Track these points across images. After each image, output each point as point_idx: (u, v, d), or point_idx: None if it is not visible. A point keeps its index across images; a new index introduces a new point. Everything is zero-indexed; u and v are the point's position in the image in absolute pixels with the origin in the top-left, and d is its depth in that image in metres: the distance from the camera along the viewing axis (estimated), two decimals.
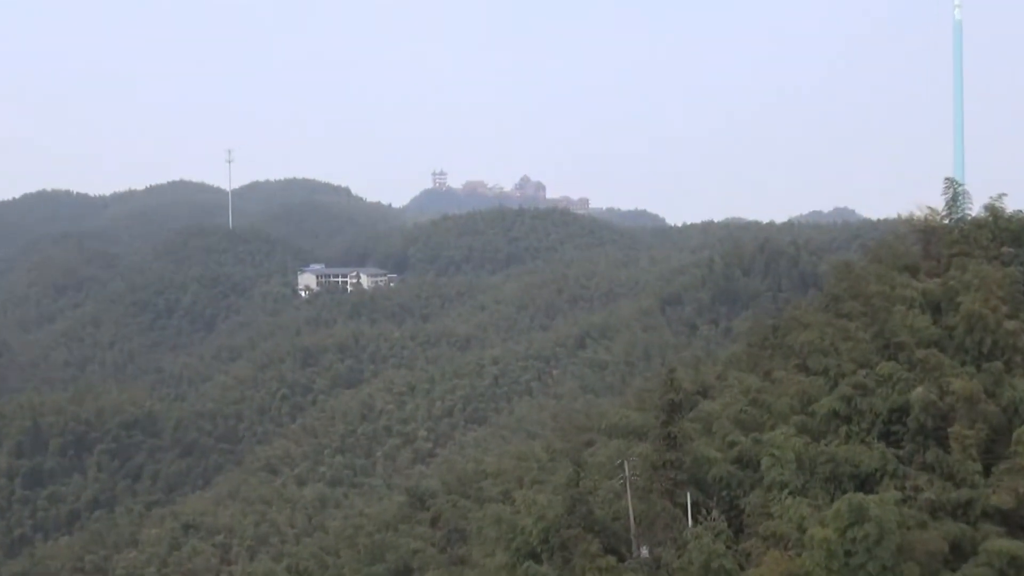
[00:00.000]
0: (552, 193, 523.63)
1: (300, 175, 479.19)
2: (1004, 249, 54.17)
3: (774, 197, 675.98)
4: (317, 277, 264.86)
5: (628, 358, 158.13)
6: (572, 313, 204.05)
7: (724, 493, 44.04)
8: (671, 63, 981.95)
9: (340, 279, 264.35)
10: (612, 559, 40.34)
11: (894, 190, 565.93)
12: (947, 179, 59.77)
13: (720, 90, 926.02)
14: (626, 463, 44.19)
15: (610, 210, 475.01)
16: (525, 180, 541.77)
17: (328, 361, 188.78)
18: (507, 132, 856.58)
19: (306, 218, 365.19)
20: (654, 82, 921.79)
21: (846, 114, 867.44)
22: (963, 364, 45.11)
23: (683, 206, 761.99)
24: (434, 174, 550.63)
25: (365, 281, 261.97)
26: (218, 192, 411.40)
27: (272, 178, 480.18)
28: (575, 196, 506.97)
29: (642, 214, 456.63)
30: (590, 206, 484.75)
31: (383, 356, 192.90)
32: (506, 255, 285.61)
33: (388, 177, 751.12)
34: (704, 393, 58.84)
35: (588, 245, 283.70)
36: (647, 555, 41.29)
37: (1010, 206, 56.96)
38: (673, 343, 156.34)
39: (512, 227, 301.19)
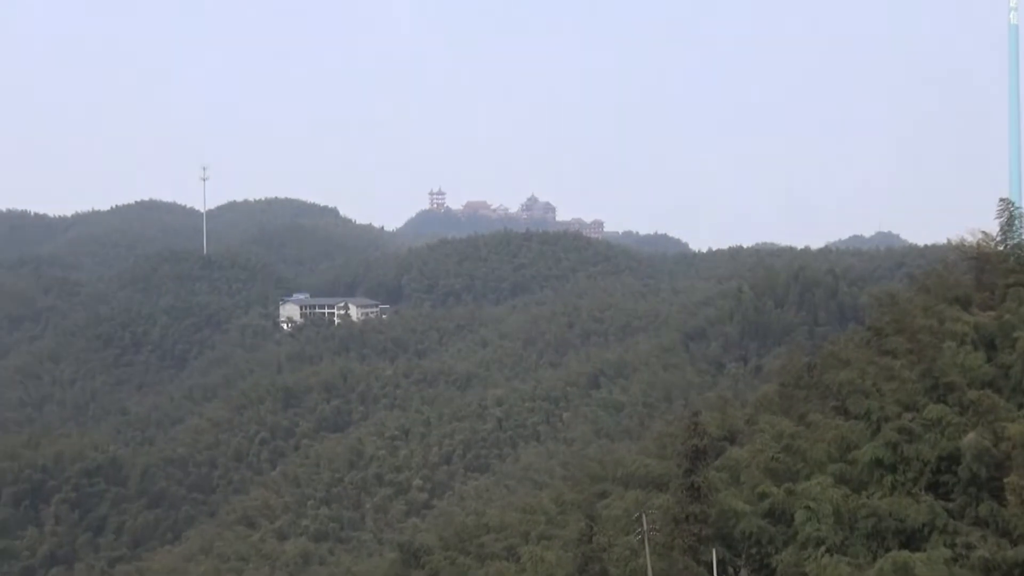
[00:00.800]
0: (563, 215, 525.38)
1: (282, 194, 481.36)
2: None
3: (810, 220, 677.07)
4: (301, 308, 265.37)
5: (647, 399, 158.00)
6: (585, 349, 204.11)
7: (753, 550, 43.94)
8: (695, 75, 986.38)
9: (326, 310, 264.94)
10: None
11: (943, 213, 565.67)
12: (1002, 200, 59.65)
13: (749, 104, 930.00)
14: (644, 516, 44.12)
15: (627, 234, 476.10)
16: (532, 201, 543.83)
17: (313, 402, 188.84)
18: (513, 148, 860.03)
19: (289, 242, 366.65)
20: (675, 97, 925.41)
21: (889, 128, 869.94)
22: (1020, 407, 45.08)
23: (708, 230, 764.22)
24: (431, 194, 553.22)
25: (354, 313, 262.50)
26: (191, 213, 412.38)
27: (251, 198, 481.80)
28: (588, 218, 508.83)
29: (662, 239, 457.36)
30: (605, 230, 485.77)
31: (374, 396, 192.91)
32: (511, 284, 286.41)
33: (380, 197, 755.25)
34: (732, 439, 58.79)
35: (603, 273, 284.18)
36: None
37: None
38: (697, 383, 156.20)
39: (518, 253, 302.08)
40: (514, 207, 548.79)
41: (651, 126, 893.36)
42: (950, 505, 41.46)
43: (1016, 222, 58.03)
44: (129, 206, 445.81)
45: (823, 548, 39.94)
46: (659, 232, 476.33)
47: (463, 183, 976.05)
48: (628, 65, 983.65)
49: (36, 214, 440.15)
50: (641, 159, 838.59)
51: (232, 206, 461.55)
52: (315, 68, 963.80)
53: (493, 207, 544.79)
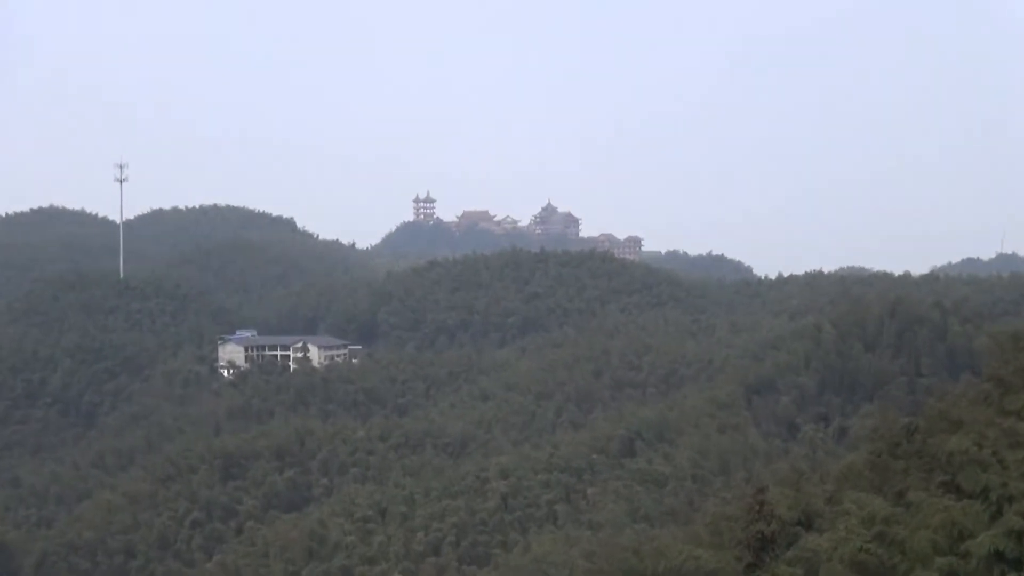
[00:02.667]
0: (588, 230, 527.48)
1: (223, 200, 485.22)
2: None
3: (910, 239, 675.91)
4: (246, 349, 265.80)
5: (697, 471, 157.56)
6: (616, 404, 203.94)
7: None
8: (760, 66, 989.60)
9: (279, 353, 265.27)
10: None
11: None
12: None
13: (827, 99, 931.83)
14: None
15: (672, 255, 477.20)
16: (549, 211, 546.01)
17: (260, 472, 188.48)
18: (523, 142, 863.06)
19: (231, 263, 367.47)
20: (734, 89, 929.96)
21: (1011, 127, 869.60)
22: None
23: (778, 250, 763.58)
24: (417, 201, 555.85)
25: (315, 356, 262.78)
26: (104, 224, 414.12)
27: (183, 204, 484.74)
28: (621, 234, 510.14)
29: (719, 261, 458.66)
30: (643, 249, 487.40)
31: (340, 465, 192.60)
32: (521, 319, 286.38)
33: (351, 205, 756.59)
34: (808, 523, 58.80)
35: (640, 305, 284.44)
36: None
37: None
38: (763, 449, 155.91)
39: (531, 278, 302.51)
40: (525, 218, 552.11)
41: (703, 121, 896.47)
42: None
43: None
44: (22, 215, 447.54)
45: None
46: (714, 252, 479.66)
47: (458, 188, 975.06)
48: (676, 49, 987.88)
49: None
50: (691, 160, 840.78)
51: (157, 216, 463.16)
52: (265, 39, 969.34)
53: (497, 218, 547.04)
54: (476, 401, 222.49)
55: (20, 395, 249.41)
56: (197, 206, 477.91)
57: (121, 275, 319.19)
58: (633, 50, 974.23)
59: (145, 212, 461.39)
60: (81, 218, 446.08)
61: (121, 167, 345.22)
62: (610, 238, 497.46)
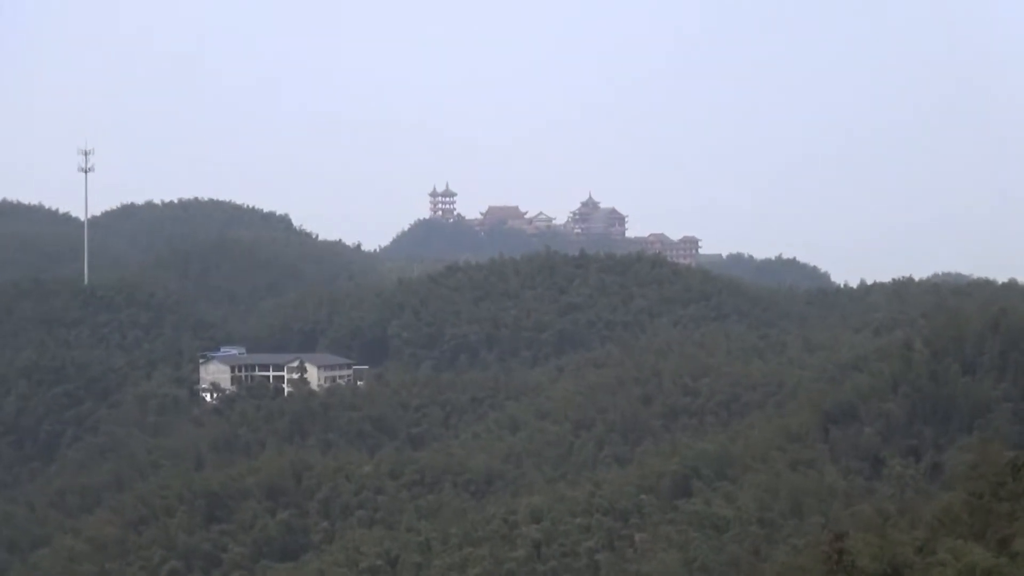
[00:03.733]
0: (637, 229, 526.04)
1: (206, 194, 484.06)
2: None
3: (1017, 239, 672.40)
4: (233, 369, 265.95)
5: (764, 514, 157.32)
6: (669, 436, 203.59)
7: None
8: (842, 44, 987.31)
9: (271, 373, 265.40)
10: None
11: None
12: None
13: (925, 64, 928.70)
14: None
15: (735, 258, 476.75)
16: (590, 206, 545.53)
17: (249, 514, 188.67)
18: (559, 126, 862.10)
19: (215, 267, 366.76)
20: (805, 56, 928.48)
21: None
22: None
23: (861, 253, 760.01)
24: (434, 195, 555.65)
25: (314, 377, 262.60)
26: (66, 222, 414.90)
27: (158, 199, 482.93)
28: (675, 234, 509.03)
29: (790, 265, 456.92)
30: (701, 251, 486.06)
31: (344, 506, 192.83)
32: (556, 334, 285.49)
33: (356, 200, 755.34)
34: (896, 574, 59.07)
35: (698, 318, 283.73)
36: None
37: None
38: (842, 489, 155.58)
39: (568, 286, 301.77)
40: (561, 215, 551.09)
41: (768, 105, 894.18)
42: None
43: None
44: None
45: None
46: (784, 256, 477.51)
47: (483, 180, 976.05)
48: (739, 22, 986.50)
49: None
50: (756, 149, 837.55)
51: (128, 212, 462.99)
52: (252, 4, 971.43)
53: (528, 215, 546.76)
54: (504, 431, 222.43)
55: None
56: (175, 200, 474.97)
57: (86, 281, 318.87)
58: (687, 24, 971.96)
59: (114, 207, 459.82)
60: (39, 214, 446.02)
61: (86, 154, 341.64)
62: (662, 239, 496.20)
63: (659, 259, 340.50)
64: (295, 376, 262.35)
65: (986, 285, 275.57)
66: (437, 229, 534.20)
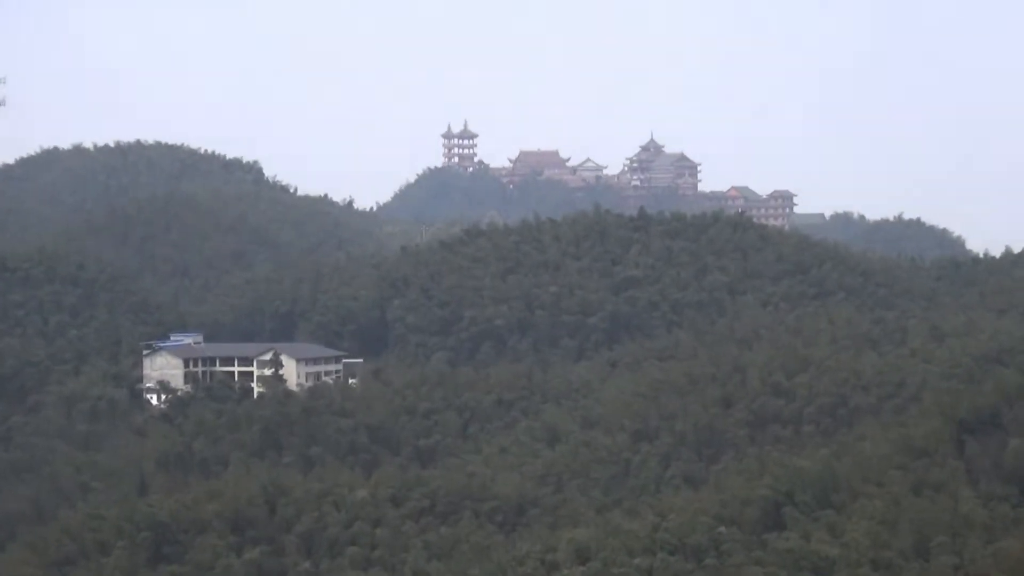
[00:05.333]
0: (713, 181, 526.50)
1: (151, 135, 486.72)
2: None
3: None
4: (187, 364, 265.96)
5: (880, 552, 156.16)
6: (755, 449, 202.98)
7: None
8: None
9: (237, 368, 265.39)
10: None
11: None
12: None
13: None
14: None
15: (842, 219, 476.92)
16: (652, 151, 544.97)
17: (209, 551, 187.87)
18: (611, 46, 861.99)
19: (163, 231, 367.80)
20: None
21: None
22: None
23: (1004, 214, 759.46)
24: (449, 137, 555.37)
25: (293, 373, 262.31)
26: None
27: (90, 142, 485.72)
28: (763, 187, 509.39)
29: (913, 229, 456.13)
30: (797, 211, 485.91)
31: (331, 542, 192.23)
32: (608, 317, 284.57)
33: (346, 144, 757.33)
34: None
35: (792, 297, 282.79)
36: None
37: None
38: (982, 519, 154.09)
39: (622, 255, 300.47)
40: (614, 163, 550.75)
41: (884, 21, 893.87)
42: None
43: None
44: None
45: None
46: (904, 216, 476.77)
47: (512, 117, 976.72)
48: None
49: None
50: (866, 80, 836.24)
51: (51, 158, 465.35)
52: None
53: (572, 162, 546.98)
54: (540, 444, 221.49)
55: None
56: (112, 143, 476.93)
57: None
58: None
59: (33, 153, 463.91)
60: None
61: None
62: (746, 193, 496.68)
63: (742, 220, 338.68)
64: (268, 372, 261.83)
65: None
66: (452, 181, 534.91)
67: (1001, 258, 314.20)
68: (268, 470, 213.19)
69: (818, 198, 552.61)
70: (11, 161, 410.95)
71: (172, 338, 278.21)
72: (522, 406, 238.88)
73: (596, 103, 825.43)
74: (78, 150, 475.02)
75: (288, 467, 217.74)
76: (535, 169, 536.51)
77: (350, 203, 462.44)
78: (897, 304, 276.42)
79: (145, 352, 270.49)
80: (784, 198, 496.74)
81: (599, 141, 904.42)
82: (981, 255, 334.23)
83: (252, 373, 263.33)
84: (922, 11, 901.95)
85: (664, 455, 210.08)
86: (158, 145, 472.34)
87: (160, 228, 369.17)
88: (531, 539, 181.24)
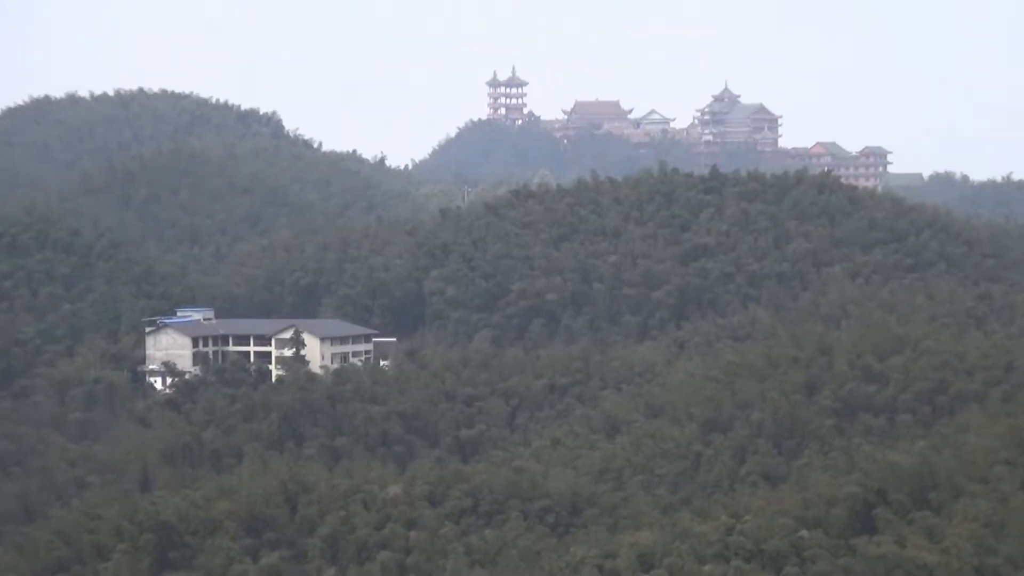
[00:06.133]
0: (796, 136, 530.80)
1: (155, 83, 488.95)
2: None
3: None
4: (195, 342, 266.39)
5: (986, 559, 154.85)
6: (843, 442, 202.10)
7: None
8: None
9: (252, 348, 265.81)
10: None
11: None
12: None
13: None
14: None
15: (943, 179, 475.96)
16: (727, 102, 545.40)
17: (221, 555, 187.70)
18: None
19: (170, 194, 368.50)
20: None
21: None
22: None
23: None
24: (494, 85, 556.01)
25: (316, 353, 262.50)
26: None
27: (85, 91, 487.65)
28: (852, 144, 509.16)
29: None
30: (892, 170, 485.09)
31: (359, 545, 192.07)
32: (676, 291, 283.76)
33: (377, 95, 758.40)
34: None
35: (886, 268, 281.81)
36: None
37: None
38: None
39: (694, 221, 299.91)
40: (683, 116, 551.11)
41: None
42: None
43: None
44: None
45: None
46: (1014, 176, 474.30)
47: (566, 64, 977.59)
48: None
49: None
50: (966, 23, 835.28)
51: (42, 108, 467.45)
52: None
53: (634, 115, 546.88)
54: (597, 435, 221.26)
55: None
56: (111, 92, 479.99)
57: None
58: None
59: (22, 102, 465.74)
60: None
61: None
62: (833, 150, 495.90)
63: (829, 180, 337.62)
64: (288, 353, 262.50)
65: None
66: (499, 136, 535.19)
67: None
68: (288, 464, 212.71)
69: (915, 156, 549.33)
70: (2, 108, 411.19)
71: (179, 314, 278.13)
72: (577, 392, 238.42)
73: (662, 47, 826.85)
74: (73, 99, 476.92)
75: (311, 460, 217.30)
76: (592, 122, 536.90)
77: (382, 160, 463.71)
78: (1005, 277, 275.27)
79: (148, 329, 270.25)
80: (877, 156, 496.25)
81: (665, 91, 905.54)
82: None
83: (270, 353, 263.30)
84: None
85: (739, 448, 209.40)
86: (164, 94, 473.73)
87: (166, 188, 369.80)
88: (587, 543, 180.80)
